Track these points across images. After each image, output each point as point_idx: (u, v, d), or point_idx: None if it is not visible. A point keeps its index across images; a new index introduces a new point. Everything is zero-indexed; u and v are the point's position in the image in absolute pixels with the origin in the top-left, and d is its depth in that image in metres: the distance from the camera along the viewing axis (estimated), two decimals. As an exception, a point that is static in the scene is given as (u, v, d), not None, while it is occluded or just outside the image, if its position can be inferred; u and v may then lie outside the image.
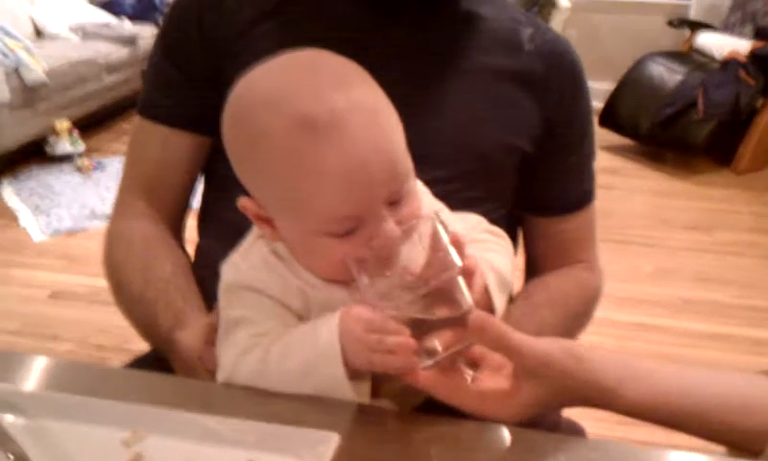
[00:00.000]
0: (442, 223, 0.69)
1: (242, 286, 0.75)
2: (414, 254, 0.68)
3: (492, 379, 0.71)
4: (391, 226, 0.68)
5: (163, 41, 1.03)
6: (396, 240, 0.68)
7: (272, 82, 0.70)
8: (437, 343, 0.68)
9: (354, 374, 0.70)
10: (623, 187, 3.87)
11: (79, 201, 3.49)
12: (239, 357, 0.73)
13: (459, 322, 0.67)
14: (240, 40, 0.95)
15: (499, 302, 0.78)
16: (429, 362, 0.68)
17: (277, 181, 0.69)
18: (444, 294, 0.67)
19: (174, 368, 0.90)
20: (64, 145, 3.96)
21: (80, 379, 0.78)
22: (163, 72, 1.02)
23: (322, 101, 0.66)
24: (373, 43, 0.73)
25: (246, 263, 0.77)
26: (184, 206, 1.07)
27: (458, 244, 0.69)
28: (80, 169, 3.83)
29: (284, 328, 0.73)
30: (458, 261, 0.68)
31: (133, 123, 1.05)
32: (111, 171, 3.83)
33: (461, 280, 0.68)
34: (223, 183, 0.98)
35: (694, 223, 3.49)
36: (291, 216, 0.71)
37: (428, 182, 0.83)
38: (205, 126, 0.97)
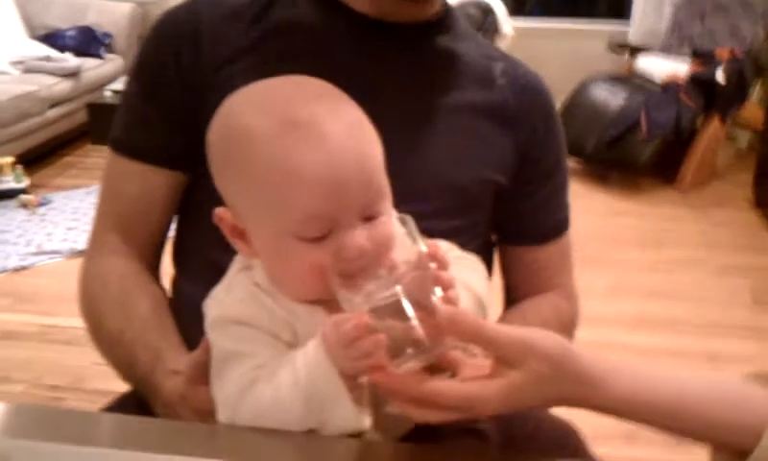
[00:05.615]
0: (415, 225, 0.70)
1: (230, 320, 0.74)
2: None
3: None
4: (362, 238, 0.69)
5: (139, 78, 1.01)
6: (365, 253, 0.68)
7: (262, 92, 0.74)
8: (415, 344, 0.65)
9: (352, 388, 0.68)
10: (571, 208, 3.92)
11: (25, 237, 3.39)
12: (240, 394, 0.72)
13: (432, 315, 0.65)
14: (217, 77, 0.94)
15: None
16: (408, 364, 0.65)
17: (256, 180, 0.70)
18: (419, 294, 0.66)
19: (154, 409, 0.88)
20: (8, 181, 3.85)
21: (62, 425, 0.75)
22: (139, 109, 1.00)
23: (308, 107, 0.70)
24: (351, 82, 0.75)
25: (230, 297, 0.76)
26: (161, 242, 1.05)
27: (435, 256, 0.69)
28: (25, 205, 3.72)
29: (279, 358, 0.72)
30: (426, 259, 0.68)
31: (106, 159, 1.03)
32: (57, 206, 3.74)
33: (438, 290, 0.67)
34: (199, 219, 0.97)
35: (643, 240, 3.56)
36: (266, 218, 0.71)
37: None
38: (183, 162, 0.97)
